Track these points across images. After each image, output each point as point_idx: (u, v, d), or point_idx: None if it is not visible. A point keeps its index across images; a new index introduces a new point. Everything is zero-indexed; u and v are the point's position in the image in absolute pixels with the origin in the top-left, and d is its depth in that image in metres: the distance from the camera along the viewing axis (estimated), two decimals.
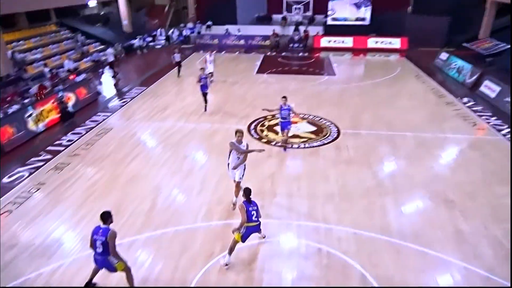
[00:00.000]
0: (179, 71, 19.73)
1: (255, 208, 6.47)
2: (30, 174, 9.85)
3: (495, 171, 9.93)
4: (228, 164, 8.10)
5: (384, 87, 17.82)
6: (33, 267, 6.58)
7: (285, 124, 10.88)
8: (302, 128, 12.76)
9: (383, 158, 10.72)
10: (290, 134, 11.00)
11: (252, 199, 6.46)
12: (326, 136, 12.15)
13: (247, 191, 6.46)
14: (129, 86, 18.14)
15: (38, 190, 9.09)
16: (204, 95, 14.12)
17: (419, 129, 12.68)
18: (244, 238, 6.48)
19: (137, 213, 8.12)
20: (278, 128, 12.55)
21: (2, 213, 8.15)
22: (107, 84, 18.59)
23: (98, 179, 9.55)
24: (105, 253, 5.52)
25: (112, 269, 5.69)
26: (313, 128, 12.76)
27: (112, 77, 19.06)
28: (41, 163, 10.40)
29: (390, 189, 9.15)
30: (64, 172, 9.93)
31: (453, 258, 6.85)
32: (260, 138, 11.96)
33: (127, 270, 5.80)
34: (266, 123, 13.14)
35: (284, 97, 10.76)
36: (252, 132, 12.44)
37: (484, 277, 6.43)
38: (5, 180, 9.54)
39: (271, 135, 12.15)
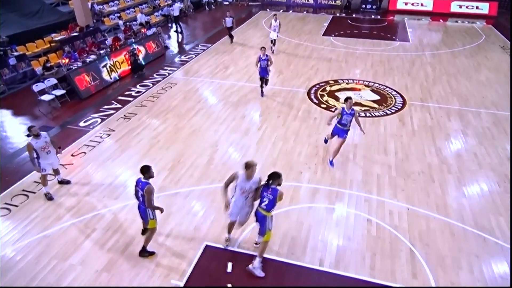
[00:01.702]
0: (231, 37, 17.93)
1: (271, 197, 5.50)
2: (102, 120, 10.70)
3: None
4: (231, 200, 5.97)
5: (463, 57, 16.30)
6: (103, 204, 7.33)
7: (342, 132, 8.38)
8: (365, 96, 12.26)
9: (450, 135, 10.05)
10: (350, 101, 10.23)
11: (273, 187, 5.50)
12: (390, 106, 11.58)
13: (272, 176, 5.51)
14: (195, 42, 18.48)
15: (108, 136, 9.89)
16: (262, 80, 12.01)
17: (497, 106, 11.59)
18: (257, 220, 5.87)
19: (196, 166, 8.56)
20: (339, 94, 12.24)
21: (78, 154, 9.05)
22: (174, 39, 19.12)
23: (162, 130, 10.14)
24: (144, 203, 5.74)
25: (146, 222, 5.93)
26: (377, 97, 12.20)
27: (176, 32, 19.47)
28: (112, 111, 11.23)
29: (453, 167, 8.64)
30: (132, 121, 10.65)
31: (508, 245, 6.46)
32: (319, 103, 11.73)
33: (153, 231, 6.05)
34: (328, 88, 12.80)
35: (349, 98, 8.25)
36: (312, 96, 12.22)
37: None
38: (82, 124, 10.49)
39: (332, 101, 11.85)
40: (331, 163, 8.53)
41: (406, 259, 6.19)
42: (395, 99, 12.06)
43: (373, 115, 11.05)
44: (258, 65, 11.81)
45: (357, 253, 6.31)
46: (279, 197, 5.50)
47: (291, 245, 6.42)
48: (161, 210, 5.92)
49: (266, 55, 11.74)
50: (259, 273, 5.81)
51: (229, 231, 6.33)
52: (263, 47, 12.00)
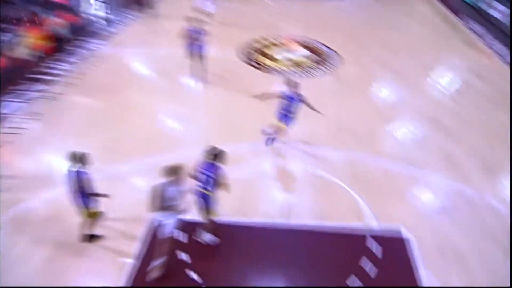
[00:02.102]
0: (146, 7, 15.88)
1: (210, 175, 5.22)
2: (26, 104, 9.77)
3: (495, 97, 9.97)
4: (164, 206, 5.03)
5: (393, 10, 16.96)
6: (34, 194, 6.77)
7: (288, 120, 7.49)
8: (300, 54, 12.34)
9: (382, 85, 10.59)
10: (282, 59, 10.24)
11: (217, 166, 5.25)
12: (325, 63, 11.80)
13: (210, 151, 5.30)
14: (122, 11, 17.23)
15: (35, 120, 9.08)
16: (200, 57, 10.12)
17: (422, 54, 12.37)
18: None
19: (136, 141, 8.21)
20: (276, 55, 12.21)
21: (3, 143, 8.24)
22: (99, 10, 17.67)
23: (95, 109, 9.52)
24: (83, 193, 5.40)
25: (86, 211, 5.57)
26: (312, 55, 12.33)
27: (101, 1, 18.00)
28: (36, 94, 10.27)
29: (387, 116, 9.19)
30: (60, 102, 9.85)
31: (442, 179, 7.21)
32: (256, 65, 11.64)
33: (95, 218, 5.74)
34: (263, 49, 12.69)
35: (294, 82, 7.40)
36: (249, 58, 12.07)
37: (464, 192, 6.90)
38: (2, 110, 9.50)
39: (267, 62, 11.80)
40: (270, 139, 7.75)
41: (349, 203, 6.60)
42: (330, 55, 12.28)
43: (309, 72, 11.21)
44: (189, 39, 9.92)
45: (305, 204, 6.59)
46: (222, 179, 5.27)
47: (242, 205, 6.48)
48: (106, 196, 5.59)
49: (199, 28, 9.93)
50: (212, 240, 5.82)
51: None
52: (191, 17, 10.31)
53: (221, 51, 12.59)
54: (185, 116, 9.16)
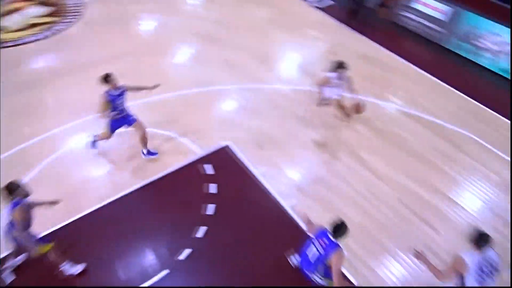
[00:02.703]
0: None
1: (11, 215, 4.30)
2: None
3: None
4: None
5: None
6: None
7: (126, 119, 6.09)
8: (33, 13, 10.22)
9: (143, 19, 10.28)
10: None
11: (13, 202, 4.26)
12: (69, 12, 10.32)
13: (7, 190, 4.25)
14: None
15: None
16: None
17: None
18: None
19: None
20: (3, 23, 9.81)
21: None
22: None
23: None
24: None
25: None
26: (48, 9, 10.45)
27: None
28: None
29: (161, 48, 9.12)
30: None
31: (235, 85, 7.98)
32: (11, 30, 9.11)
33: None
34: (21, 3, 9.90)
35: (107, 76, 5.69)
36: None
37: (255, 88, 7.94)
38: None
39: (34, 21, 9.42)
40: (151, 153, 6.39)
41: (171, 144, 6.63)
42: (65, 4, 10.70)
43: (57, 29, 9.66)
44: None
45: (126, 169, 6.22)
46: (17, 215, 4.20)
47: (66, 203, 5.43)
48: None
49: None
50: (76, 269, 4.86)
51: None
52: None
53: None
54: None
